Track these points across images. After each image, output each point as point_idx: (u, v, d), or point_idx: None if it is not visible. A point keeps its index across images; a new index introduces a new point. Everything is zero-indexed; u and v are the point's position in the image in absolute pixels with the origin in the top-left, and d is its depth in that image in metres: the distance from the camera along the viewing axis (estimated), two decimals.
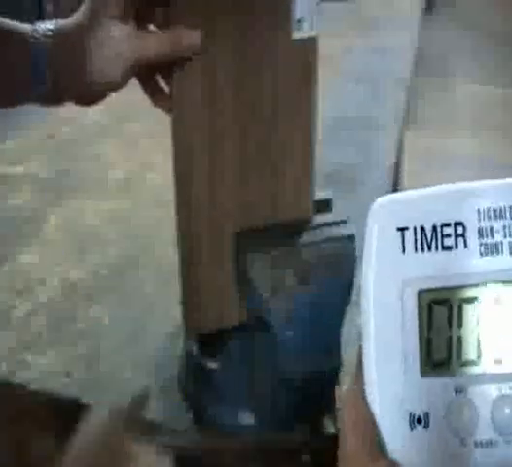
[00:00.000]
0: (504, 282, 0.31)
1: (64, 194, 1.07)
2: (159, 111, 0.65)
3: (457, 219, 0.31)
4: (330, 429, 0.66)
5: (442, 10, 4.03)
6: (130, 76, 0.60)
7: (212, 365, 0.67)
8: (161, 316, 0.81)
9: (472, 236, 0.31)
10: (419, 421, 0.31)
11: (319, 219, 0.67)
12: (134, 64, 0.58)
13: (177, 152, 0.64)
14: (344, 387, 0.33)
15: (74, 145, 1.22)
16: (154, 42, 0.59)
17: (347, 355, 0.64)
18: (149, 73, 0.64)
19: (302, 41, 0.62)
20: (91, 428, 0.58)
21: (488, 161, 2.67)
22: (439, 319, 0.31)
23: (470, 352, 0.31)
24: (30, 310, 0.83)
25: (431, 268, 0.31)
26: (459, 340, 0.31)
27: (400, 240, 0.31)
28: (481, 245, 0.31)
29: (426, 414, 0.31)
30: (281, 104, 0.63)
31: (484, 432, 0.31)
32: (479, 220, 0.31)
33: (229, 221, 0.65)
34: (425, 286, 0.31)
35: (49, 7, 2.50)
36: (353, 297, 0.63)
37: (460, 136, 2.92)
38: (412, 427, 0.31)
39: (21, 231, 0.98)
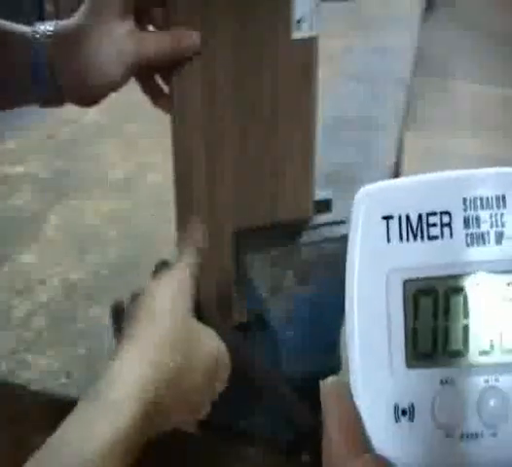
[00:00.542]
0: (490, 272, 0.31)
1: (64, 194, 1.07)
2: (159, 111, 0.65)
3: (443, 208, 0.31)
4: None
5: (442, 10, 4.03)
6: (130, 76, 0.60)
7: None
8: None
9: (458, 226, 0.31)
10: (404, 413, 0.31)
11: (319, 219, 0.67)
12: (134, 64, 0.58)
13: (177, 152, 0.64)
14: (327, 379, 0.32)
15: (74, 145, 1.22)
16: (153, 42, 0.59)
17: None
18: (148, 73, 0.64)
19: (302, 41, 0.62)
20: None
21: (488, 161, 2.66)
22: (425, 310, 0.31)
23: (456, 343, 0.31)
24: (30, 310, 0.83)
25: (417, 257, 0.31)
26: (446, 330, 0.31)
27: (385, 230, 0.31)
28: (467, 235, 0.31)
29: (412, 406, 0.31)
30: (281, 104, 0.63)
31: (470, 424, 0.30)
32: (465, 209, 0.31)
33: (229, 221, 0.65)
34: (411, 276, 0.31)
35: (49, 7, 2.50)
36: None
37: (460, 136, 2.92)
38: (397, 419, 0.31)
39: (21, 231, 0.98)
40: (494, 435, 0.30)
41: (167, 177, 0.65)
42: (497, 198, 0.31)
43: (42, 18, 0.60)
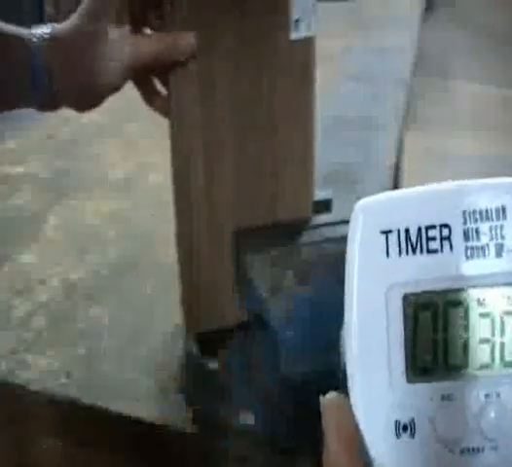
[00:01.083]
0: (490, 285, 0.30)
1: (64, 194, 1.07)
2: None
3: (443, 221, 0.30)
4: None
5: (442, 10, 4.03)
6: (126, 80, 0.60)
7: (212, 365, 0.67)
8: (161, 316, 0.81)
9: (458, 239, 0.30)
10: (404, 429, 0.30)
11: (319, 219, 0.67)
12: (131, 67, 0.58)
13: (175, 153, 0.64)
14: (327, 394, 0.32)
15: (74, 145, 1.22)
16: (150, 45, 0.59)
17: None
18: (146, 76, 0.64)
19: (299, 41, 0.61)
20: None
21: (488, 161, 2.67)
22: (424, 324, 0.30)
23: (456, 357, 0.30)
24: (30, 310, 0.83)
25: (416, 271, 0.30)
26: (445, 344, 0.30)
27: (384, 244, 0.30)
28: (467, 248, 0.30)
29: (412, 422, 0.30)
30: (280, 104, 0.63)
31: (471, 439, 0.30)
32: (464, 222, 0.30)
33: (229, 221, 0.65)
34: (410, 290, 0.30)
35: (49, 9, 2.50)
36: None
37: (460, 136, 2.92)
38: (398, 435, 0.30)
39: (21, 231, 0.98)
40: (496, 449, 0.30)
41: (167, 177, 0.65)
42: (497, 210, 0.30)
43: (42, 20, 0.60)
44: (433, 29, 3.33)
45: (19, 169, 1.14)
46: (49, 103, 0.60)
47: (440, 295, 0.30)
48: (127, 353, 0.77)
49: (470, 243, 0.30)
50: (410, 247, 0.30)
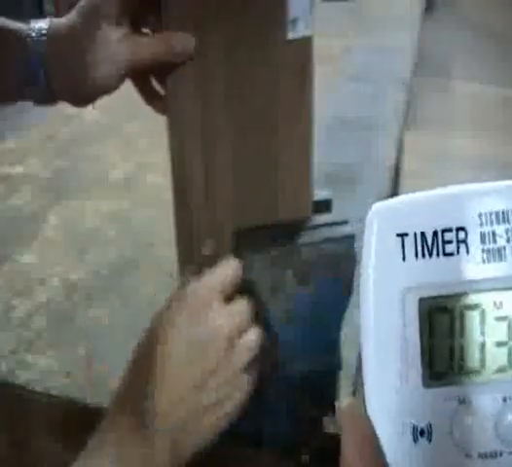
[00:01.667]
0: (507, 289, 0.30)
1: (64, 194, 1.07)
2: None
3: (459, 224, 0.30)
4: (330, 429, 0.66)
5: (442, 10, 4.03)
6: (123, 79, 0.60)
7: None
8: None
9: (474, 242, 0.30)
10: (422, 434, 0.30)
11: (319, 219, 0.67)
12: (127, 68, 0.58)
13: (174, 153, 0.64)
14: (343, 400, 0.32)
15: (74, 145, 1.22)
16: (147, 46, 0.59)
17: (347, 355, 0.64)
18: (144, 75, 0.64)
19: (297, 41, 0.61)
20: None
21: (488, 162, 2.67)
22: (441, 327, 0.30)
23: (473, 361, 0.30)
24: (30, 310, 0.83)
25: (432, 275, 0.30)
26: (462, 348, 0.30)
27: (400, 247, 0.30)
28: (483, 251, 0.30)
29: (429, 426, 0.30)
30: (278, 104, 0.63)
31: (488, 443, 0.30)
32: (480, 224, 0.30)
33: (229, 221, 0.65)
34: (427, 294, 0.30)
35: (49, 7, 2.50)
36: (353, 297, 0.63)
37: (460, 136, 2.92)
38: (415, 440, 0.30)
39: (21, 231, 0.98)
40: None
41: (167, 177, 0.65)
42: None
43: (42, 18, 0.60)
44: (433, 29, 3.33)
45: (19, 169, 1.14)
46: (46, 98, 0.60)
47: (456, 298, 0.30)
48: (127, 353, 0.77)
49: (486, 246, 0.30)
50: (426, 250, 0.30)
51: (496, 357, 0.30)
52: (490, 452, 0.30)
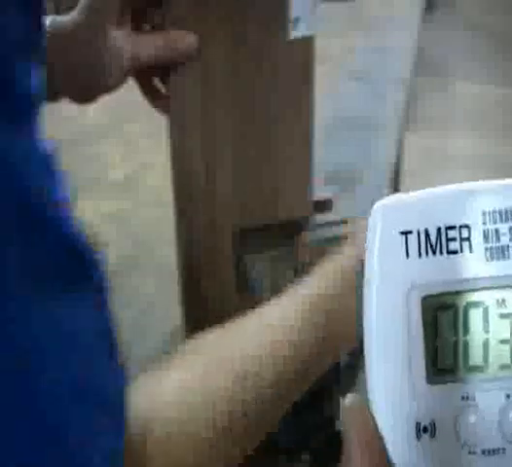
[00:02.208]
0: (510, 286, 0.30)
1: None
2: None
3: (463, 222, 0.30)
4: (330, 429, 0.66)
5: (442, 10, 4.03)
6: (126, 78, 0.60)
7: None
8: (161, 316, 0.81)
9: (477, 240, 0.30)
10: (425, 430, 0.30)
11: (319, 219, 0.67)
12: (129, 67, 0.58)
13: (174, 153, 0.64)
14: (347, 397, 0.32)
15: (74, 145, 1.22)
16: (149, 44, 0.59)
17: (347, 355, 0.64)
18: (146, 74, 0.64)
19: (299, 41, 0.61)
20: None
21: (488, 161, 2.67)
22: (445, 325, 0.30)
23: (477, 358, 0.30)
24: None
25: (436, 272, 0.30)
26: (466, 345, 0.30)
27: (404, 245, 0.30)
28: (486, 249, 0.30)
29: (433, 423, 0.30)
30: (279, 104, 0.63)
31: (491, 440, 0.30)
32: (484, 222, 0.30)
33: (229, 221, 0.65)
34: (430, 292, 0.30)
35: (49, 5, 2.50)
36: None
37: (460, 136, 2.92)
38: (418, 437, 0.30)
39: None
40: None
41: (167, 177, 0.65)
42: None
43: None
44: (433, 29, 3.33)
45: None
46: (48, 95, 0.60)
47: (460, 296, 0.30)
48: (126, 353, 0.77)
49: (490, 244, 0.30)
50: (429, 248, 0.30)
51: (500, 354, 0.30)
52: (493, 449, 0.30)
